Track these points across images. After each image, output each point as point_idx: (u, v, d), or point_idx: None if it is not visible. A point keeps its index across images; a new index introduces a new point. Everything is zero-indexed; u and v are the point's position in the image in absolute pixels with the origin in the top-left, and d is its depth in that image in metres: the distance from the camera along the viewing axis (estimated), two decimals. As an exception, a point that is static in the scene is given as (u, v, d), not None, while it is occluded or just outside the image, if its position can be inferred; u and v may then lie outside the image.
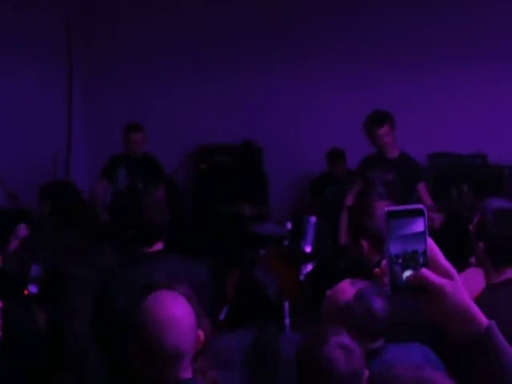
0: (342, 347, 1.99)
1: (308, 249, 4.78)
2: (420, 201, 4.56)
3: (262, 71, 6.51)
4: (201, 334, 1.87)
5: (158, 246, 2.91)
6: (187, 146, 6.69)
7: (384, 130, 4.59)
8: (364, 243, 2.84)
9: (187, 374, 1.85)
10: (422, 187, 4.69)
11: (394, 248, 1.00)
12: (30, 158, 6.08)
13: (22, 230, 3.92)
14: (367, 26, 6.20)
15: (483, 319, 1.03)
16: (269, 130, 6.38)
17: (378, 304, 2.25)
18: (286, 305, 3.44)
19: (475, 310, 1.02)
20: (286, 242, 5.00)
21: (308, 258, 4.69)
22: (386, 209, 1.00)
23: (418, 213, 1.01)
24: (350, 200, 4.81)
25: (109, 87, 6.86)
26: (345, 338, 2.03)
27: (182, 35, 6.63)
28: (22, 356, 2.77)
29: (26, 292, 3.26)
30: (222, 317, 3.67)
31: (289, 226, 5.00)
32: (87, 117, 7.08)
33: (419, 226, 1.00)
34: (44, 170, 6.15)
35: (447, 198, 4.25)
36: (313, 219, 4.85)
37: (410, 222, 1.00)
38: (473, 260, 3.00)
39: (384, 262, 1.02)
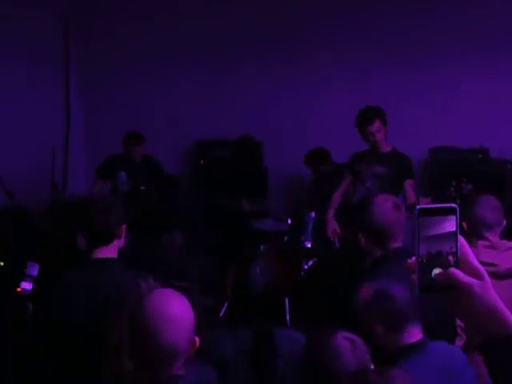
0: (348, 340, 2.00)
1: (309, 244, 4.75)
2: (405, 198, 4.53)
3: (261, 71, 6.51)
4: (197, 339, 1.85)
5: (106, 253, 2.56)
6: (186, 142, 6.68)
7: (375, 127, 4.54)
8: (362, 237, 2.83)
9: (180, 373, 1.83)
10: (409, 184, 4.62)
11: (424, 246, 0.98)
12: (28, 157, 6.07)
13: None
14: (367, 26, 6.21)
15: None
16: (269, 126, 6.35)
17: (397, 290, 2.23)
18: (286, 301, 3.41)
19: (504, 311, 1.00)
20: (285, 238, 4.97)
21: (309, 253, 4.65)
22: (418, 206, 0.98)
23: (450, 211, 0.99)
24: (337, 197, 4.79)
25: (109, 87, 6.85)
26: (349, 334, 2.04)
27: (181, 35, 6.63)
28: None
29: (19, 289, 3.19)
30: (222, 313, 3.64)
31: (289, 221, 4.98)
32: (86, 116, 7.07)
33: (451, 224, 0.98)
34: (42, 168, 6.15)
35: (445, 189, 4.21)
36: (313, 214, 4.82)
37: (441, 221, 0.98)
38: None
39: (413, 259, 1.00)
